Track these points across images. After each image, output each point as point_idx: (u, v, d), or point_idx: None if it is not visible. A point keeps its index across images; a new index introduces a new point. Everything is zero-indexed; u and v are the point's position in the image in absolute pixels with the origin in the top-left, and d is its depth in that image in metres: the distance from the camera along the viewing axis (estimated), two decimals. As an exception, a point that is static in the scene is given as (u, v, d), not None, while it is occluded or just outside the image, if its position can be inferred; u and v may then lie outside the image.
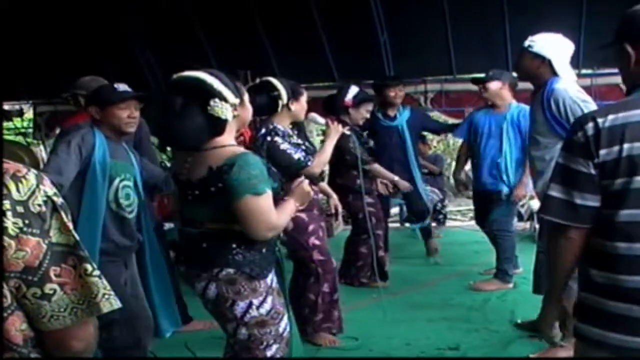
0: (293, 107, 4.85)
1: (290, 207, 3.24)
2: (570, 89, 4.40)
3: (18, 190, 1.54)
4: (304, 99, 4.96)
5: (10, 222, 1.51)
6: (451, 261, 7.79)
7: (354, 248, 6.82)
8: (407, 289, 6.64)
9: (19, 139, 11.60)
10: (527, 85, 5.01)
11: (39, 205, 1.57)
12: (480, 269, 7.14)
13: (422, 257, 8.10)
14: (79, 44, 9.56)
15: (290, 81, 4.99)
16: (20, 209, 1.53)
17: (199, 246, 3.15)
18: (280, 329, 3.18)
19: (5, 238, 1.50)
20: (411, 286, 6.76)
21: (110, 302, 1.65)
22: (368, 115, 6.77)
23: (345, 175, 6.50)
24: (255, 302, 3.09)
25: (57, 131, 7.20)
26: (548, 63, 4.48)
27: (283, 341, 3.20)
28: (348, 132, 5.97)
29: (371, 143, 6.94)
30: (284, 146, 4.71)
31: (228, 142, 3.10)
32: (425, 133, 9.70)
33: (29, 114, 11.98)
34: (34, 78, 9.97)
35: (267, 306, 3.11)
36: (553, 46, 4.51)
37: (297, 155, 4.75)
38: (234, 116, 3.09)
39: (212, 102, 3.00)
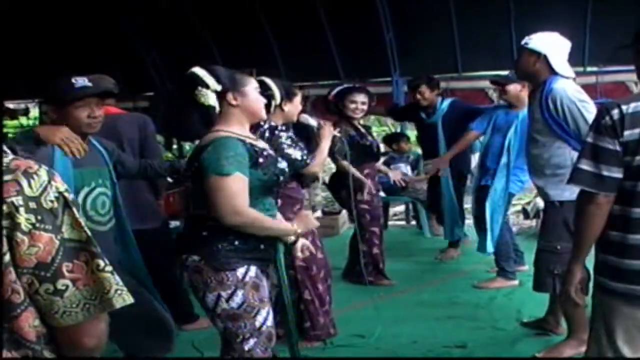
0: (286, 107, 4.84)
1: (287, 226, 3.34)
2: (569, 89, 4.42)
3: (30, 186, 1.55)
4: (297, 100, 4.94)
5: (23, 217, 1.51)
6: (457, 259, 7.78)
7: (354, 247, 6.79)
8: (414, 287, 6.63)
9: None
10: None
11: (51, 201, 1.57)
12: (486, 267, 7.11)
13: (428, 256, 8.08)
14: (84, 43, 9.60)
15: (285, 82, 4.99)
16: (32, 204, 1.53)
17: (183, 233, 3.26)
18: (257, 323, 3.15)
19: (18, 234, 1.51)
20: (417, 284, 6.75)
21: (122, 298, 1.65)
22: (361, 107, 6.61)
23: (342, 173, 6.46)
24: (224, 294, 3.08)
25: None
26: (544, 59, 4.51)
27: (262, 335, 3.17)
28: (338, 135, 5.92)
29: (375, 143, 6.89)
30: (287, 143, 4.71)
31: (222, 128, 3.14)
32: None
33: (34, 112, 12.01)
34: (39, 77, 9.98)
35: (237, 300, 3.09)
36: (549, 43, 4.54)
37: (298, 153, 4.75)
38: (232, 105, 3.16)
39: (196, 91, 3.10)
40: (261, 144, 3.32)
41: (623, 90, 8.01)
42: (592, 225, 2.79)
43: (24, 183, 1.54)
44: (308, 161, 4.82)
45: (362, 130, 6.77)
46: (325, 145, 5.02)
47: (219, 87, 3.12)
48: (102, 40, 9.63)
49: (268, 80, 4.75)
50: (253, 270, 3.15)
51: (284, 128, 4.81)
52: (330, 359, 4.81)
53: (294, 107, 4.92)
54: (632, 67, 2.90)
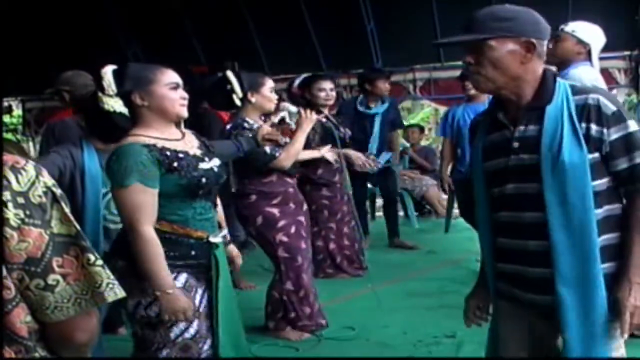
0: (253, 99, 4.80)
1: (165, 280, 2.93)
2: (584, 73, 4.50)
3: (18, 181, 1.53)
4: (265, 89, 4.88)
5: (11, 213, 1.50)
6: (446, 249, 7.79)
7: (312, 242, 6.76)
8: (403, 278, 6.63)
9: (9, 135, 11.54)
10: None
11: (39, 196, 1.56)
12: (475, 256, 7.10)
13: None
14: (68, 38, 9.54)
15: (253, 73, 4.96)
16: (20, 200, 1.52)
17: (118, 235, 3.23)
18: (172, 335, 3.03)
19: (7, 229, 1.49)
20: (406, 274, 6.76)
21: (114, 292, 1.63)
22: (330, 94, 6.60)
23: (307, 165, 6.35)
24: (143, 302, 2.99)
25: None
26: (587, 50, 4.60)
27: (175, 347, 3.04)
28: (324, 119, 5.89)
29: (348, 134, 6.86)
30: (250, 136, 4.64)
31: (134, 132, 3.03)
32: (420, 122, 9.71)
33: (18, 110, 11.91)
34: (23, 74, 9.91)
35: (155, 309, 2.99)
36: (595, 35, 4.70)
37: (265, 147, 4.71)
38: (140, 106, 3.02)
39: (97, 98, 3.02)
40: (182, 144, 3.11)
41: (607, 77, 8.01)
42: None
43: (12, 178, 1.53)
44: (276, 154, 4.78)
45: (334, 120, 6.72)
46: (299, 135, 4.94)
47: (113, 90, 2.98)
48: (89, 35, 9.57)
49: (230, 75, 4.69)
50: (182, 278, 3.05)
51: (245, 125, 4.73)
52: (320, 358, 4.80)
53: (262, 98, 4.86)
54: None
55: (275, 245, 4.96)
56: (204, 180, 3.05)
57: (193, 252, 3.07)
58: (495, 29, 2.42)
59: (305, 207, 5.26)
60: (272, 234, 4.95)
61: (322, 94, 6.52)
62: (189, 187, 3.00)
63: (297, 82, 6.70)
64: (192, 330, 3.07)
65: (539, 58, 2.44)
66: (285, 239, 4.97)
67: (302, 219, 5.14)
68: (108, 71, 3.01)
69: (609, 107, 2.32)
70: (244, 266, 5.30)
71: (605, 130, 2.32)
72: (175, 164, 2.97)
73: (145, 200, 2.89)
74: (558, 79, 2.44)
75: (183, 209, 3.03)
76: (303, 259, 5.05)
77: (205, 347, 3.12)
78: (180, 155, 3.03)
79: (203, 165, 3.10)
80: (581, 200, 2.31)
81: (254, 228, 4.99)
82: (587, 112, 2.33)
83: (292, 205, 5.06)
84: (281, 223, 4.97)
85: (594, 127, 2.32)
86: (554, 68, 5.43)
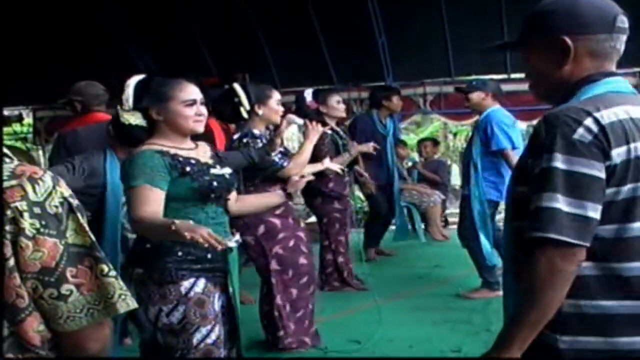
0: (261, 111, 4.86)
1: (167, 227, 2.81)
2: None
3: (35, 191, 1.56)
4: (272, 101, 4.93)
5: (27, 223, 1.52)
6: (452, 264, 7.76)
7: (321, 255, 6.75)
8: (409, 292, 6.63)
9: (19, 144, 11.57)
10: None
11: (56, 206, 1.58)
12: (480, 271, 7.11)
13: (422, 260, 8.11)
14: (79, 48, 9.57)
15: (260, 85, 5.02)
16: (37, 210, 1.54)
17: (134, 244, 3.31)
18: (194, 341, 3.08)
19: (23, 239, 1.52)
20: (412, 289, 6.76)
21: (127, 303, 1.65)
22: (342, 106, 6.75)
23: (318, 178, 6.32)
24: (165, 309, 3.06)
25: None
26: None
27: (198, 352, 3.09)
28: (329, 132, 5.92)
29: (350, 145, 6.84)
30: (258, 147, 4.71)
31: (150, 140, 3.16)
32: (430, 135, 9.73)
33: (28, 119, 11.96)
34: (34, 83, 9.95)
35: (177, 315, 3.06)
36: None
37: (273, 157, 4.75)
38: (156, 120, 3.16)
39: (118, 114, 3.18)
40: (194, 153, 3.23)
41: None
42: (561, 294, 1.83)
43: (29, 188, 1.55)
44: (284, 164, 4.81)
45: (339, 131, 6.75)
46: (307, 146, 5.00)
47: (130, 105, 3.14)
48: (101, 46, 9.60)
49: (237, 87, 4.74)
50: (201, 284, 3.12)
51: (254, 135, 4.80)
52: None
53: (269, 110, 4.91)
54: (627, 71, 2.67)
55: (269, 257, 4.90)
56: (215, 184, 3.16)
57: (209, 256, 3.14)
58: (530, 29, 2.05)
59: (302, 224, 5.26)
60: (269, 246, 4.91)
61: (341, 106, 6.69)
62: (200, 190, 3.11)
63: (308, 96, 6.71)
64: (213, 336, 3.13)
65: (590, 57, 1.96)
66: (280, 251, 4.94)
67: (301, 234, 5.11)
68: (130, 85, 3.15)
69: (540, 131, 1.85)
70: (246, 280, 5.33)
71: (530, 160, 1.88)
72: (188, 169, 3.10)
73: (151, 197, 2.99)
74: (584, 89, 1.95)
75: (195, 213, 3.11)
76: (295, 274, 4.98)
77: (225, 352, 3.20)
78: (192, 161, 3.16)
79: (214, 171, 3.22)
80: (506, 241, 2.01)
81: (253, 237, 4.90)
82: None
83: (291, 220, 5.06)
84: (281, 235, 4.95)
85: (524, 154, 1.95)
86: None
